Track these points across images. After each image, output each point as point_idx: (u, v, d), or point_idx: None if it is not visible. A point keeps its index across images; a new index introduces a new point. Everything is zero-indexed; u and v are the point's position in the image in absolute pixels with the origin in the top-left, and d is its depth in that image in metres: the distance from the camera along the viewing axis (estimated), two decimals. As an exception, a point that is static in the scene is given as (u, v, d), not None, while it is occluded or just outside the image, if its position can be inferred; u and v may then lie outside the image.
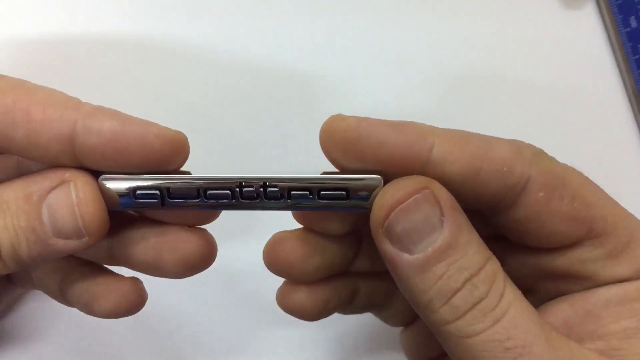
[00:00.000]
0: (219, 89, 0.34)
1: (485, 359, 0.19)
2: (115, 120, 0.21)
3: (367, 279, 0.25)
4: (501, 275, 0.20)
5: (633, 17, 0.35)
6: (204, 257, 0.24)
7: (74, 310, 0.31)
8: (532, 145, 0.21)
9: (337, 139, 0.20)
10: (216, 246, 0.24)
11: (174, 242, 0.23)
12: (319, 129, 0.20)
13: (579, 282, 0.21)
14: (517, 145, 0.21)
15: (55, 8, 0.34)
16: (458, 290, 0.19)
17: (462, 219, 0.20)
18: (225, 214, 0.32)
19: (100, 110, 0.22)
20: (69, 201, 0.21)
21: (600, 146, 0.35)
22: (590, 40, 0.36)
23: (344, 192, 0.21)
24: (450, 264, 0.19)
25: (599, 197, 0.21)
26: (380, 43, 0.35)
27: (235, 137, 0.34)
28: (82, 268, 0.26)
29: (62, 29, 0.34)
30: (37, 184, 0.21)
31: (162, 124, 0.31)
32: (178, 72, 0.34)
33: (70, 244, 0.21)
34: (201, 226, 0.24)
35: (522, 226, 0.21)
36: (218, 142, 0.34)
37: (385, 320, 0.28)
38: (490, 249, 0.22)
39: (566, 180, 0.21)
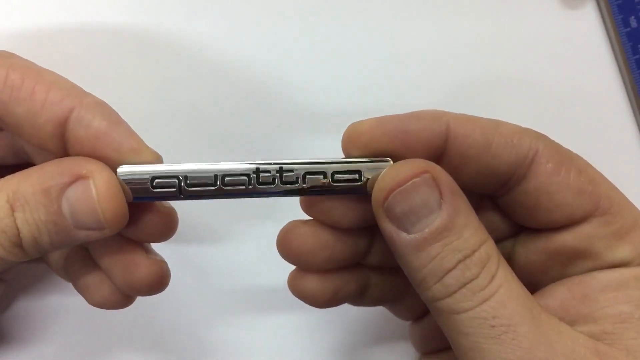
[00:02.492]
0: (219, 85, 0.34)
1: (471, 335, 0.19)
2: (106, 121, 0.22)
3: (379, 274, 0.26)
4: (495, 258, 0.20)
5: (633, 17, 0.35)
6: (151, 287, 0.24)
7: (74, 310, 0.32)
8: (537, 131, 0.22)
9: (363, 140, 0.21)
10: (168, 278, 0.25)
11: (128, 263, 0.24)
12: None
13: (584, 261, 0.22)
14: (523, 127, 0.22)
15: (54, 3, 0.34)
16: (450, 270, 0.20)
17: (461, 202, 0.21)
18: (226, 207, 0.32)
19: (99, 106, 0.23)
20: (90, 197, 0.21)
21: (600, 146, 0.35)
22: (590, 40, 0.36)
23: (356, 175, 0.22)
24: (445, 245, 0.20)
25: (603, 178, 0.22)
26: (380, 43, 0.35)
27: (236, 135, 0.34)
28: (84, 253, 0.26)
29: (61, 23, 0.34)
30: (54, 179, 0.22)
31: (159, 119, 0.32)
32: (176, 66, 0.34)
33: (92, 234, 0.22)
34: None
35: (532, 200, 0.22)
36: (215, 138, 0.34)
37: (396, 314, 0.29)
38: (501, 237, 0.23)
39: (572, 157, 0.22)
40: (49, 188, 0.21)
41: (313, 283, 0.24)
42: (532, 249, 0.23)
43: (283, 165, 0.22)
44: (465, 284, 0.20)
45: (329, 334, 0.32)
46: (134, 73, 0.34)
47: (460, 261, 0.20)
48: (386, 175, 0.21)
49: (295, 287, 0.25)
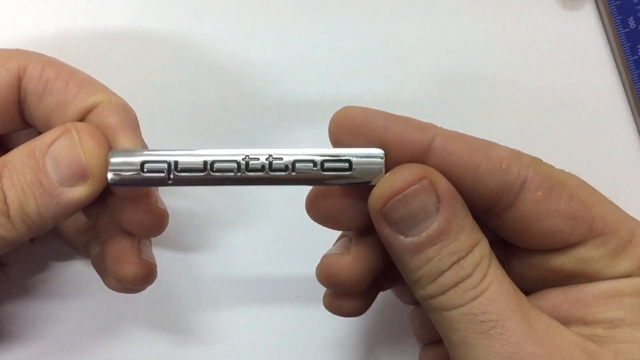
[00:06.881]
0: (217, 84, 0.34)
1: (461, 330, 0.20)
2: (119, 121, 0.24)
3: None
4: (487, 257, 0.21)
5: (632, 18, 0.35)
6: (135, 284, 0.26)
7: (75, 311, 0.32)
8: (529, 154, 0.22)
9: (345, 125, 0.21)
10: (153, 278, 0.26)
11: (120, 259, 0.25)
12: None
13: (583, 280, 0.22)
14: (514, 150, 0.22)
15: (56, 6, 0.34)
16: (445, 271, 0.20)
17: (458, 206, 0.21)
18: (227, 199, 0.33)
19: (121, 107, 0.25)
20: (72, 143, 0.22)
21: (598, 147, 0.35)
22: (588, 41, 0.36)
23: (346, 164, 0.21)
24: (441, 248, 0.20)
25: (596, 198, 0.22)
26: (377, 43, 0.35)
27: (233, 133, 0.34)
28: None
29: (62, 27, 0.34)
30: (38, 140, 0.23)
31: (158, 117, 0.32)
32: (175, 66, 0.34)
33: (76, 192, 0.22)
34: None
35: (522, 227, 0.22)
36: (212, 135, 0.34)
37: (399, 296, 0.29)
38: (496, 254, 0.22)
39: (564, 181, 0.21)
40: (34, 148, 0.22)
41: (352, 303, 0.25)
42: (527, 264, 0.23)
43: (272, 153, 0.22)
44: (458, 283, 0.20)
45: (330, 325, 0.32)
46: (133, 71, 0.34)
47: (455, 263, 0.20)
48: (385, 182, 0.21)
49: (334, 307, 0.25)
